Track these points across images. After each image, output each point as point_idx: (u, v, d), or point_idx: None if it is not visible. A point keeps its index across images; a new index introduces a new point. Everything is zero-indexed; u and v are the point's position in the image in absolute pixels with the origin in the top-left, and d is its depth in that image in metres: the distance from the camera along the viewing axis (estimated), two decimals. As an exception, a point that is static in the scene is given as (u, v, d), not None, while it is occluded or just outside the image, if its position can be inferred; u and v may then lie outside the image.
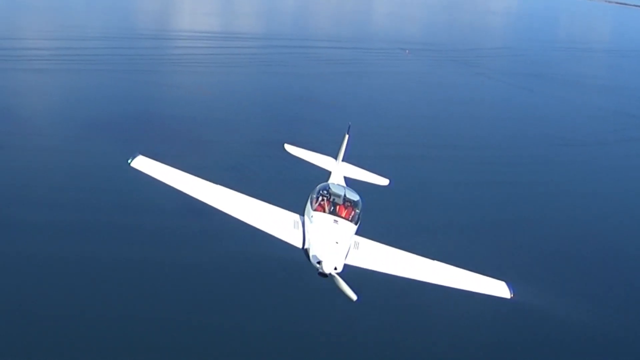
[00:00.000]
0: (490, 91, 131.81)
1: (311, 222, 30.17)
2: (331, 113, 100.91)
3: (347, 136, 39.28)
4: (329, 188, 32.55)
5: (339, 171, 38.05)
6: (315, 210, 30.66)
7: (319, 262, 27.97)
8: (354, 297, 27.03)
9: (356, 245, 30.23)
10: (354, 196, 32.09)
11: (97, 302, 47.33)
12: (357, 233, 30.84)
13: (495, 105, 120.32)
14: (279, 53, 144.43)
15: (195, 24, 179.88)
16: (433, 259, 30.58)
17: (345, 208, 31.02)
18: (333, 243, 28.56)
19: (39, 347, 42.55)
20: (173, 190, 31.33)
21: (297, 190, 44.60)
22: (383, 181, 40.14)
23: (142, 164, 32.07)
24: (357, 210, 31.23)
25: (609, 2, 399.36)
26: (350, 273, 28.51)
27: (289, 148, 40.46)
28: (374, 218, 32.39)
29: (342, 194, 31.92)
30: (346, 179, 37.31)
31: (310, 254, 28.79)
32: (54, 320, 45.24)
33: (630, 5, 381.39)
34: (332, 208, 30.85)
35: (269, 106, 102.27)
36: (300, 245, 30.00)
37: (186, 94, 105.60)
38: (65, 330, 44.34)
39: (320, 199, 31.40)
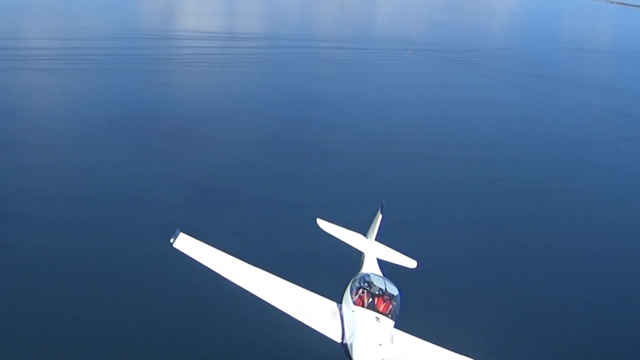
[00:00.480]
0: (493, 92, 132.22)
1: (352, 316, 30.18)
2: (332, 112, 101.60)
3: (380, 215, 38.74)
4: (370, 279, 32.54)
5: (372, 252, 37.90)
6: (355, 303, 30.78)
7: None
8: None
9: (391, 339, 30.19)
10: (393, 290, 32.05)
11: (100, 300, 47.45)
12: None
13: (497, 105, 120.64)
14: (283, 53, 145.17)
15: (199, 25, 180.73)
16: (460, 353, 30.95)
17: (384, 301, 31.16)
18: (377, 345, 28.60)
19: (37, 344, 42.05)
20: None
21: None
22: (411, 263, 40.34)
23: (183, 244, 32.50)
24: (395, 304, 31.36)
25: (611, 2, 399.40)
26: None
27: (321, 224, 40.20)
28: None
29: (382, 287, 31.94)
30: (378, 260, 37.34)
31: (353, 354, 28.71)
32: (54, 316, 45.10)
33: (632, 5, 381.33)
34: (371, 300, 31.00)
35: (271, 106, 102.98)
36: (338, 340, 29.82)
37: (189, 94, 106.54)
38: (67, 328, 44.24)
39: (360, 290, 31.50)
